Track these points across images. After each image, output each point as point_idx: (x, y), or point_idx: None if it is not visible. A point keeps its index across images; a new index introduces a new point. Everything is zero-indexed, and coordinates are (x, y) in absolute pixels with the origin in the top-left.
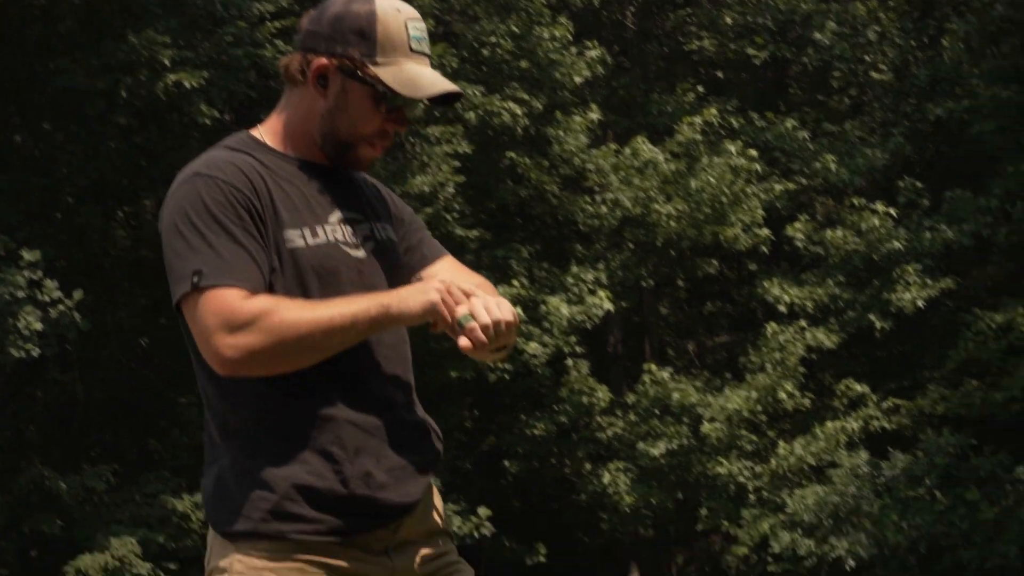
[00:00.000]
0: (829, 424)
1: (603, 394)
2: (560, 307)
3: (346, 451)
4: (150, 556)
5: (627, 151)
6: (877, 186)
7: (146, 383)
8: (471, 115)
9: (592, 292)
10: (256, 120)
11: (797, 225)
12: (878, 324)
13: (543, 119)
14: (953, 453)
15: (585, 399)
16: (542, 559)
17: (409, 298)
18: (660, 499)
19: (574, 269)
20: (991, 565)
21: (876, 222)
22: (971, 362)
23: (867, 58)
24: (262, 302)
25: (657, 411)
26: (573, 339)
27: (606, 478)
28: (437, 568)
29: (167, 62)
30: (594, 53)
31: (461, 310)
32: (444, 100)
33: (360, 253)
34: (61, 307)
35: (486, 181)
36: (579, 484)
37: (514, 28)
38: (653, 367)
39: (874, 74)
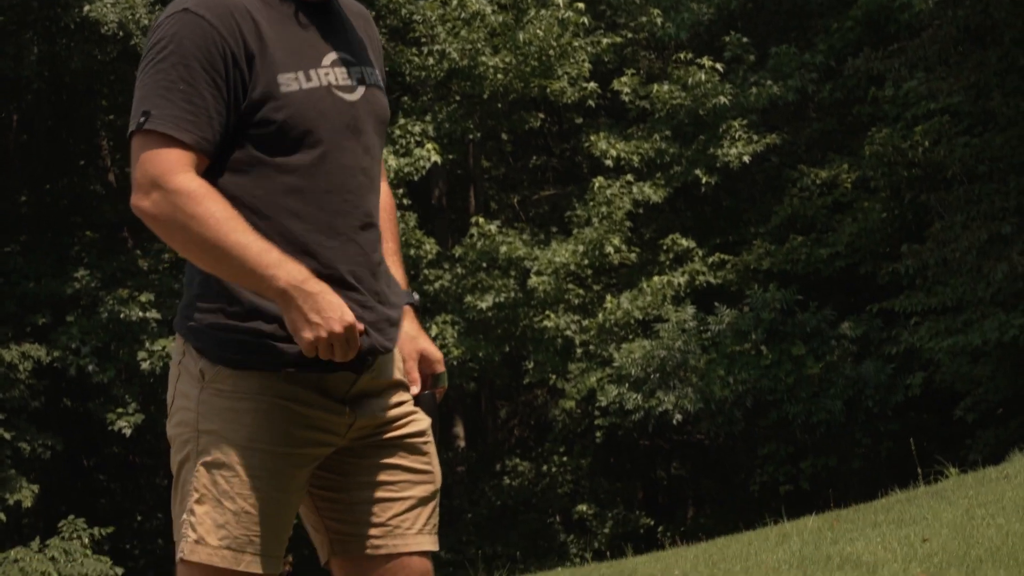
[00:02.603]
0: (656, 279)
1: (430, 247)
2: (387, 159)
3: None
4: None
5: (454, 2)
6: (702, 41)
7: None
8: None
9: (419, 144)
10: None
11: (624, 79)
12: (704, 179)
13: None
14: (779, 308)
15: (412, 251)
16: None
17: (304, 315)
18: (487, 352)
19: (401, 121)
20: (816, 419)
21: (702, 77)
22: (796, 218)
23: None
24: (192, 184)
25: (484, 264)
26: (400, 191)
27: (433, 331)
28: (394, 418)
29: None
30: None
31: (441, 369)
32: None
33: (352, 97)
34: None
35: None
36: None
37: None
38: (481, 220)
39: None
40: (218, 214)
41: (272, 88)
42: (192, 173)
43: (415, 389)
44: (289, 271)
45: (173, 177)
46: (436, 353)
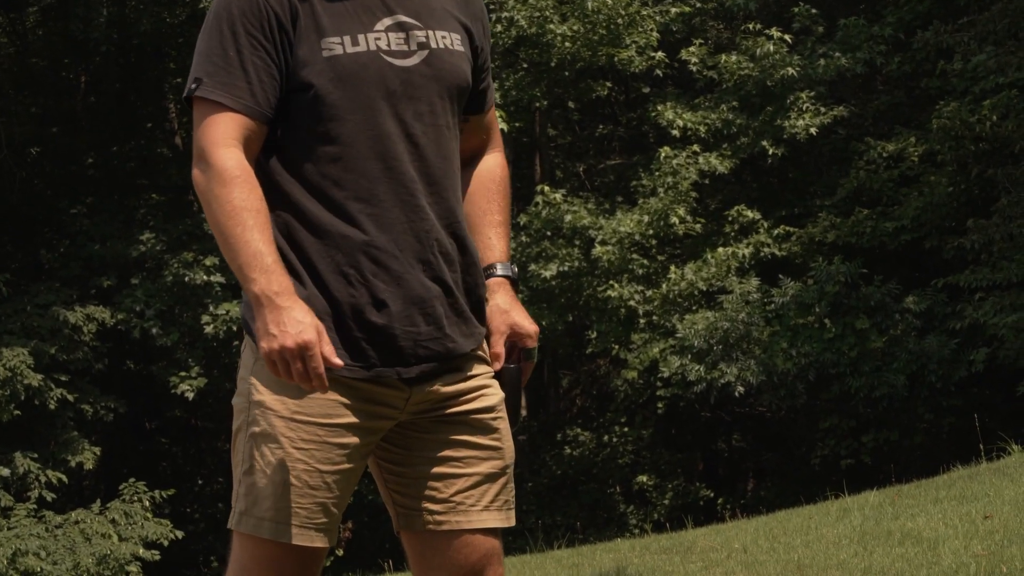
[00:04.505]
0: (720, 250)
1: None
2: None
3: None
4: (41, 367)
5: None
6: (771, 12)
7: (36, 192)
8: None
9: None
10: None
11: (692, 49)
12: (770, 150)
13: None
14: (843, 281)
15: None
16: None
17: (266, 325)
18: (550, 321)
19: None
20: (879, 393)
21: (770, 48)
22: (862, 191)
23: None
24: (229, 162)
25: (549, 233)
26: None
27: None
28: (460, 392)
29: None
30: None
31: (532, 344)
32: None
33: (408, 62)
34: None
35: None
36: None
37: None
38: (546, 188)
39: None
40: (236, 202)
41: (315, 51)
42: (235, 149)
43: (497, 365)
44: (270, 280)
45: (215, 151)
46: (528, 328)
